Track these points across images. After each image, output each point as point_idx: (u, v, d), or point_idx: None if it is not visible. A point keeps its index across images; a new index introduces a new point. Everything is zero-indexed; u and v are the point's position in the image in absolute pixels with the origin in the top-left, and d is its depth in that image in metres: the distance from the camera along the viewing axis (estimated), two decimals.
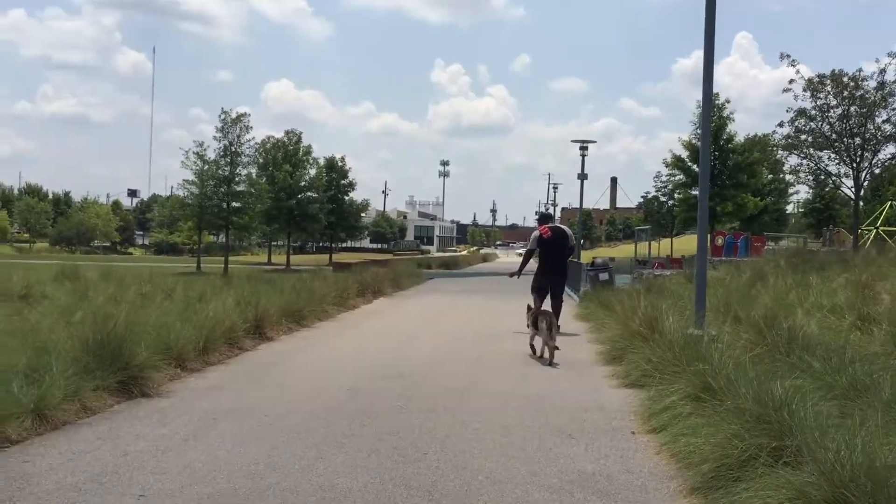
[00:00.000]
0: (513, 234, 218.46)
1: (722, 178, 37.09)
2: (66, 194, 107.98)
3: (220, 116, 38.12)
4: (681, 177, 41.27)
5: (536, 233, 13.51)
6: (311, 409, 6.93)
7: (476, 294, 23.61)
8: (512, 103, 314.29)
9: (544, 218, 14.81)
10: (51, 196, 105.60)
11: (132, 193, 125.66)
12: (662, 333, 9.13)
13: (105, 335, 7.38)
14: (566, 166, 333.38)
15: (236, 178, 38.44)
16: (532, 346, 10.42)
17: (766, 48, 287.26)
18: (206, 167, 37.53)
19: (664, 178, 55.47)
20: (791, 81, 29.18)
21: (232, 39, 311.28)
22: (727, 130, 38.80)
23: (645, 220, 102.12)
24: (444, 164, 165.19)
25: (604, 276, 16.76)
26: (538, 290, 12.65)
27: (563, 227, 13.74)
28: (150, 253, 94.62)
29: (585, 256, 44.38)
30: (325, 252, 72.20)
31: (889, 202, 34.34)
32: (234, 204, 38.57)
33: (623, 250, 74.38)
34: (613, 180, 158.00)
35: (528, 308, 11.18)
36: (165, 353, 8.50)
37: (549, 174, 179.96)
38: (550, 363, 9.66)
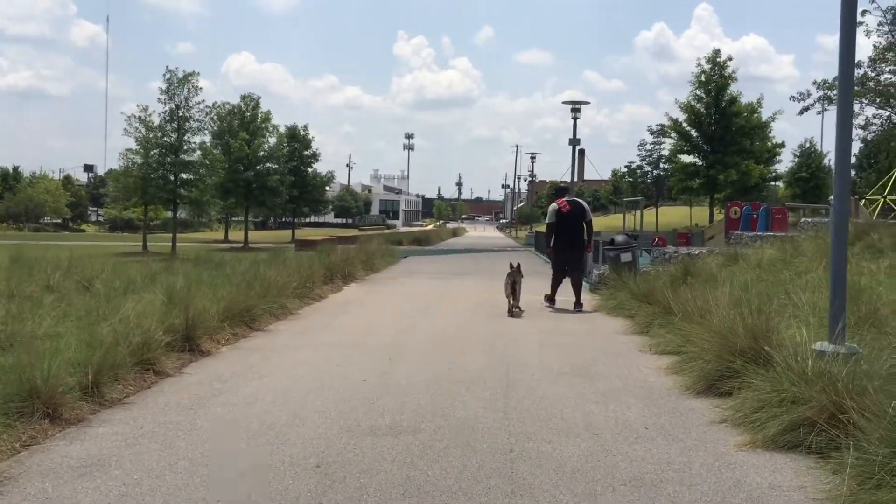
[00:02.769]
0: (478, 207, 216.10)
1: (724, 144, 34.17)
2: (16, 168, 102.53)
3: (164, 76, 34.00)
4: (667, 143, 38.39)
5: (555, 206, 13.26)
6: None
7: (464, 276, 20.46)
8: (476, 76, 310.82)
9: (561, 191, 14.73)
10: None
11: (88, 168, 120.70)
12: (780, 350, 6.15)
13: None
14: (530, 138, 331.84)
15: (185, 147, 34.37)
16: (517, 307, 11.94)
17: (726, 20, 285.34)
18: (150, 134, 33.47)
19: (649, 146, 52.90)
20: (863, 13, 24.86)
21: (192, 10, 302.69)
22: (729, 91, 35.85)
23: (614, 192, 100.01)
24: (409, 137, 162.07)
25: (626, 256, 13.72)
26: (560, 268, 13.14)
27: (580, 200, 13.55)
28: (104, 230, 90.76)
29: (543, 229, 41.02)
30: (287, 228, 68.38)
31: None
32: (182, 175, 34.51)
33: (599, 223, 71.63)
34: (581, 152, 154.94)
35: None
36: (28, 397, 5.39)
37: (516, 146, 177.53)
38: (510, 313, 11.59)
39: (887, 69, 25.58)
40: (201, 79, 36.20)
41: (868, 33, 25.25)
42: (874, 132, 26.34)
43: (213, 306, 9.60)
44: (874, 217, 27.54)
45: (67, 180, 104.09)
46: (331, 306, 12.93)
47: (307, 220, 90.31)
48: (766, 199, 41.52)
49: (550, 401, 6.34)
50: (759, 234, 16.20)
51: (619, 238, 14.28)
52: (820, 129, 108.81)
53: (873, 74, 25.60)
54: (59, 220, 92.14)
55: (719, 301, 8.26)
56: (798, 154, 52.03)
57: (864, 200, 30.82)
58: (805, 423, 5.02)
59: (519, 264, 12.53)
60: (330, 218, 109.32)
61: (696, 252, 15.11)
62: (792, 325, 7.16)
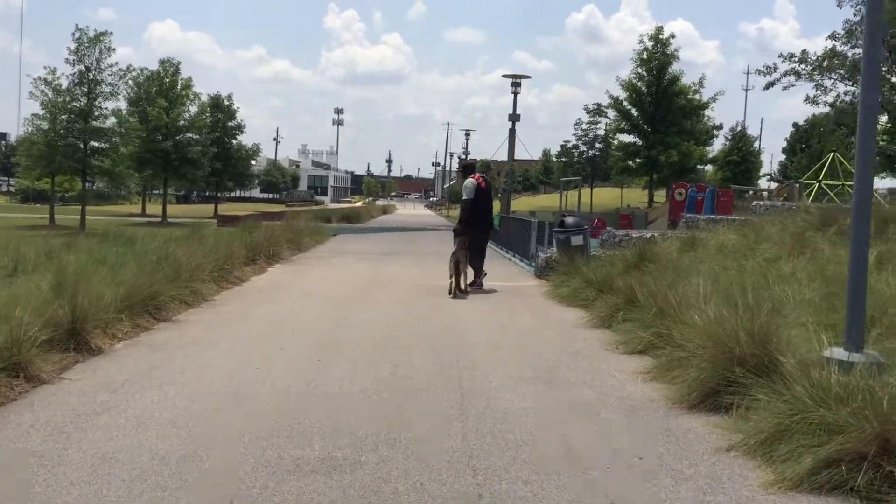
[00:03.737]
0: (408, 184, 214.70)
1: (664, 124, 33.49)
2: None
3: (73, 35, 31.31)
4: (603, 123, 37.67)
5: (473, 181, 12.51)
6: None
7: (399, 257, 19.23)
8: (407, 52, 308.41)
9: (469, 168, 13.65)
10: None
11: (1, 136, 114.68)
12: (788, 357, 5.19)
13: None
14: (461, 117, 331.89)
15: (96, 113, 31.78)
16: (460, 289, 11.36)
17: (654, 3, 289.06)
18: (59, 99, 30.81)
19: (585, 126, 52.39)
20: None
21: None
22: (671, 70, 35.17)
23: (544, 172, 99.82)
24: (339, 111, 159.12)
25: (577, 239, 12.70)
26: (477, 248, 12.31)
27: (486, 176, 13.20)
28: (15, 201, 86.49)
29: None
30: (211, 202, 65.76)
31: (832, 153, 31.62)
32: (93, 144, 31.92)
33: (530, 203, 70.82)
34: (511, 132, 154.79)
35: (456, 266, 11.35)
36: None
37: (448, 123, 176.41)
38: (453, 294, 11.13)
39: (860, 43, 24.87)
40: (123, 47, 33.74)
41: (840, 4, 24.64)
42: (845, 110, 25.77)
43: (111, 292, 8.19)
44: (809, 201, 27.36)
45: None
46: (252, 292, 11.55)
47: (232, 194, 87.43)
48: (697, 181, 41.36)
49: (516, 418, 5.21)
50: (713, 217, 15.39)
51: (570, 220, 13.24)
52: (744, 111, 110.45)
53: (844, 49, 24.87)
54: None
55: (699, 293, 7.26)
56: (729, 137, 52.21)
57: (798, 185, 30.65)
58: (847, 457, 4.00)
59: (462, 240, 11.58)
60: (256, 193, 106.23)
61: (649, 235, 14.20)
62: (788, 325, 6.21)
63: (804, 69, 24.22)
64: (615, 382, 6.28)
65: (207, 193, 74.05)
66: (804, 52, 24.99)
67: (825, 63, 23.64)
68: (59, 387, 5.79)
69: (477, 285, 12.23)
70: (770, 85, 25.27)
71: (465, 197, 12.49)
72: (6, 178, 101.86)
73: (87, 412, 5.15)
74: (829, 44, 24.45)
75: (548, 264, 13.57)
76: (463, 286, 11.51)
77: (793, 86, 25.25)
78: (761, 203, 16.11)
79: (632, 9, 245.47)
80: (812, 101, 26.34)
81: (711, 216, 16.24)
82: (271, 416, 5.10)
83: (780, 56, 25.02)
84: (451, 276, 11.38)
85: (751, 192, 30.18)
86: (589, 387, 6.13)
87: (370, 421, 5.04)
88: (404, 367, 6.67)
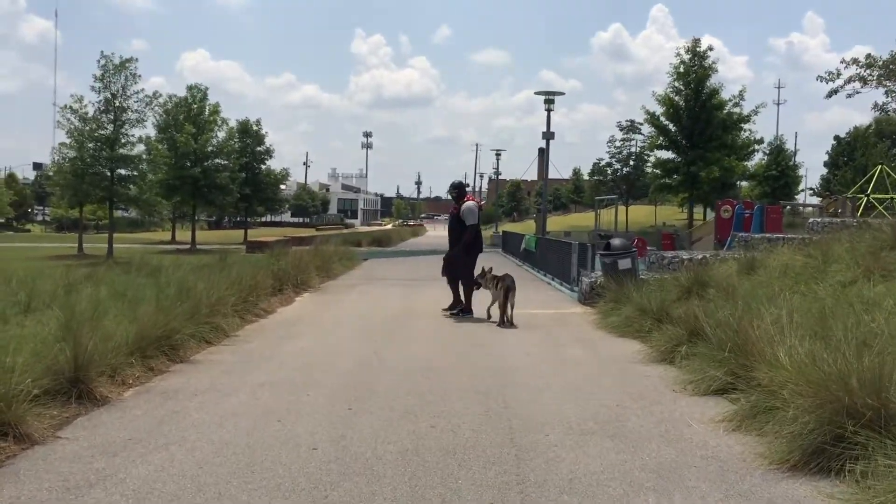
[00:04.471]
0: (437, 206, 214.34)
1: (704, 139, 32.25)
2: None
3: (98, 62, 31.03)
4: (638, 140, 36.63)
5: (473, 204, 11.95)
6: None
7: (430, 282, 18.23)
8: (434, 75, 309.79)
9: (462, 189, 12.22)
10: None
11: (37, 167, 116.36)
12: None
13: None
14: (488, 138, 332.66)
15: (122, 140, 31.43)
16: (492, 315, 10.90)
17: (681, 21, 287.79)
18: (85, 126, 30.51)
19: (618, 143, 51.43)
20: None
21: (145, 6, 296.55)
22: (709, 83, 34.01)
23: (575, 191, 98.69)
24: (367, 135, 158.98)
25: (625, 263, 11.80)
26: (474, 280, 11.48)
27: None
28: (50, 230, 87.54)
29: (515, 228, 39.06)
30: (243, 227, 65.55)
31: (880, 165, 30.39)
32: (119, 171, 31.56)
33: (563, 222, 69.67)
34: (541, 151, 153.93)
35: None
36: None
37: (476, 144, 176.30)
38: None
39: None
40: (155, 76, 33.62)
41: None
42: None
43: (123, 331, 7.49)
44: (858, 215, 26.16)
45: (11, 178, 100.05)
46: (278, 326, 10.77)
47: (263, 219, 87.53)
48: (733, 198, 40.12)
49: (585, 487, 4.35)
50: (768, 235, 14.40)
51: (617, 242, 12.35)
52: (776, 126, 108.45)
53: None
54: (2, 220, 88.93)
55: (779, 325, 6.36)
56: (767, 151, 50.83)
57: (846, 198, 29.40)
58: None
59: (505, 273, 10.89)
60: (287, 217, 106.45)
61: (700, 257, 13.26)
62: None
63: (870, 74, 22.73)
64: (694, 435, 5.39)
65: (238, 219, 74.09)
66: (869, 56, 23.59)
67: (892, 66, 22.22)
68: (53, 448, 5.03)
69: (468, 313, 11.56)
70: (833, 93, 23.71)
71: (471, 222, 11.72)
72: (41, 208, 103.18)
73: (79, 483, 4.38)
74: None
75: (593, 289, 12.69)
76: (508, 315, 10.77)
77: (858, 93, 23.73)
78: (818, 220, 15.08)
79: (658, 26, 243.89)
80: (881, 108, 24.89)
81: (767, 235, 15.23)
82: (294, 490, 4.29)
83: (842, 62, 23.49)
84: (500, 306, 10.75)
85: (801, 208, 28.97)
86: (664, 440, 5.25)
87: (410, 495, 4.21)
88: (446, 416, 5.83)
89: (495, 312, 10.89)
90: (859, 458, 4.28)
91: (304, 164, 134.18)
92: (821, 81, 24.28)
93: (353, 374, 7.46)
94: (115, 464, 4.73)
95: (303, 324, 11.01)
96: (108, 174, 31.33)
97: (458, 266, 11.72)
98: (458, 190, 12.06)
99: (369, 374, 7.41)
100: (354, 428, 5.51)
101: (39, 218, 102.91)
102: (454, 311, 11.73)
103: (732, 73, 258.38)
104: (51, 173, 34.35)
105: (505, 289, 10.62)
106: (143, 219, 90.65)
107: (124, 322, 8.01)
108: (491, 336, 9.94)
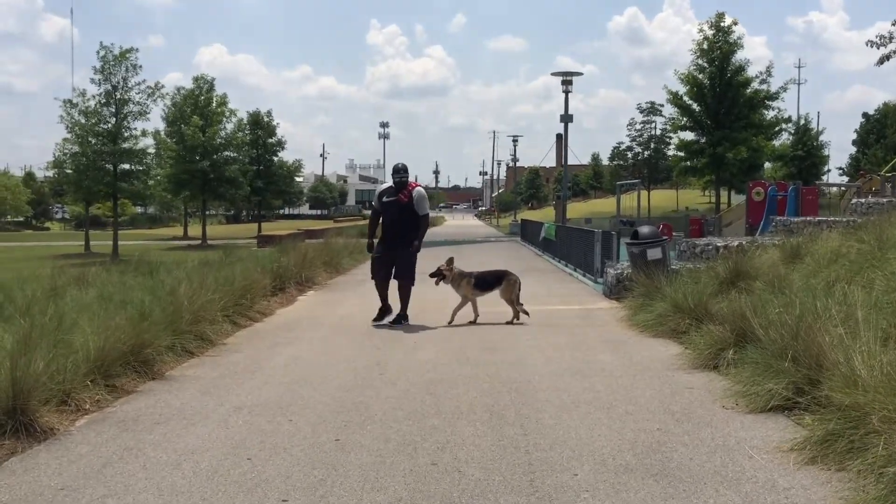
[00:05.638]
0: (456, 195, 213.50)
1: (730, 119, 30.80)
2: None
3: (98, 53, 30.03)
4: (659, 122, 35.27)
5: (424, 191, 10.48)
6: None
7: None
8: (450, 63, 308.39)
9: (408, 172, 10.50)
10: None
11: (57, 165, 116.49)
12: None
13: None
14: (506, 125, 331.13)
15: (125, 134, 30.48)
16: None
17: (698, 2, 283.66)
18: (85, 121, 29.58)
19: (639, 126, 50.12)
20: None
21: (162, 3, 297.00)
22: (734, 60, 32.54)
23: (594, 176, 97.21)
24: (384, 125, 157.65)
25: (655, 253, 10.72)
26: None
27: None
28: (69, 227, 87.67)
29: (534, 216, 37.83)
30: (262, 221, 64.82)
31: None
32: (122, 166, 30.64)
33: (582, 209, 68.29)
34: (559, 136, 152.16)
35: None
36: None
37: (493, 132, 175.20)
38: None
39: None
40: (173, 72, 32.72)
41: None
42: None
43: (92, 344, 6.54)
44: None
45: (30, 177, 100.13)
46: (271, 331, 9.78)
47: (280, 212, 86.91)
48: (761, 179, 38.71)
49: None
50: (809, 219, 13.24)
51: (646, 230, 11.26)
52: (797, 106, 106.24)
53: None
54: (21, 219, 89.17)
55: (851, 327, 5.30)
56: (793, 132, 49.21)
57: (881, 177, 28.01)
58: None
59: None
60: (305, 209, 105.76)
61: (736, 244, 12.14)
62: None
63: None
64: (758, 471, 4.34)
65: (256, 212, 73.42)
66: None
67: None
68: None
69: (404, 319, 10.21)
70: (885, 59, 21.99)
71: (425, 212, 10.22)
72: (61, 206, 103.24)
73: None
74: None
75: (619, 282, 11.62)
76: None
77: None
78: (862, 201, 13.89)
79: (675, 8, 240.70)
80: None
81: (807, 218, 14.05)
82: None
83: (893, 24, 21.65)
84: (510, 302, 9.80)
85: (841, 188, 27.56)
86: (723, 481, 4.20)
87: None
88: (452, 448, 4.82)
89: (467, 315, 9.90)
90: None
91: (321, 155, 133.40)
92: (871, 46, 22.51)
93: (347, 390, 6.46)
94: None
95: (300, 327, 10.02)
96: (111, 169, 30.43)
97: (405, 264, 10.14)
98: (404, 174, 10.35)
99: (366, 391, 6.40)
100: (339, 468, 4.51)
101: (59, 216, 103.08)
102: (392, 320, 10.23)
103: (752, 54, 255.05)
104: (49, 172, 33.56)
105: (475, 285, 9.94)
106: (162, 214, 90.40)
107: (92, 334, 7.06)
108: (506, 336, 8.92)
